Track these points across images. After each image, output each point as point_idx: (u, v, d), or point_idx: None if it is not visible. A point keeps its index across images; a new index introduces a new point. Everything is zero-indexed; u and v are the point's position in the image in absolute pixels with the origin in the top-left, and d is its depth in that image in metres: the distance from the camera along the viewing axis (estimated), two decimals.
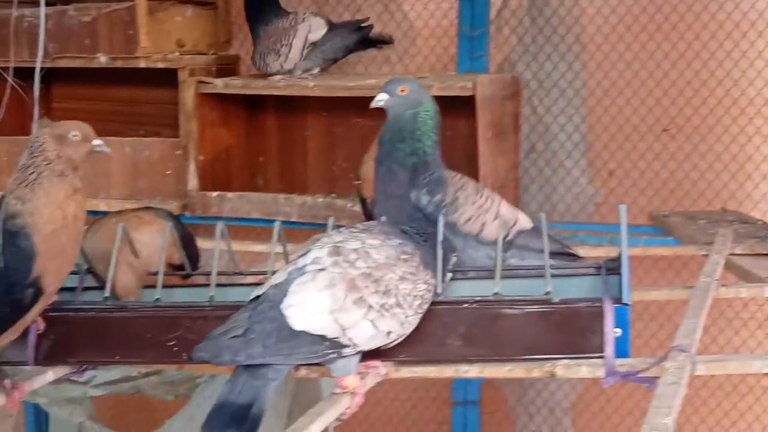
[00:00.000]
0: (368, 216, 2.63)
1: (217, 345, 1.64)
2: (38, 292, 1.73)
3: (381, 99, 2.15)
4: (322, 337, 1.65)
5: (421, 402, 4.01)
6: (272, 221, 3.38)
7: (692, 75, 3.53)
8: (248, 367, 1.63)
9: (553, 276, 1.84)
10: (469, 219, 2.13)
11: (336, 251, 1.72)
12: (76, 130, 1.78)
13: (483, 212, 2.14)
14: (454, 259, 1.91)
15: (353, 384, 1.73)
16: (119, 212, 2.23)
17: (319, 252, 1.73)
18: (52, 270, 1.74)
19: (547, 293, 1.80)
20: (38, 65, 1.85)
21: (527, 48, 3.59)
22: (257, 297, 1.71)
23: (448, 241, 1.96)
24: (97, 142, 1.79)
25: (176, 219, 2.23)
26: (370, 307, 1.68)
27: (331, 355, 1.68)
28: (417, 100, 2.16)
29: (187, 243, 2.18)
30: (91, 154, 1.79)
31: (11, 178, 1.78)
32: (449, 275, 1.89)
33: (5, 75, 2.00)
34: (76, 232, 1.77)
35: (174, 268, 2.11)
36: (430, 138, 2.16)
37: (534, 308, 1.79)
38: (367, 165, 2.46)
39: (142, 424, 3.90)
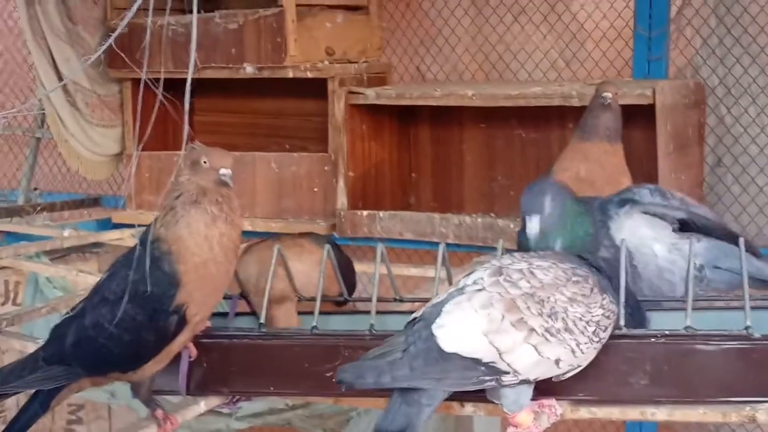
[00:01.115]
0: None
1: (362, 366, 1.68)
2: (182, 320, 1.83)
3: (534, 227, 2.05)
4: (476, 361, 1.67)
5: None
6: (425, 243, 3.47)
7: None
8: (402, 392, 1.67)
9: (753, 308, 1.81)
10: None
11: (499, 272, 1.74)
12: (206, 156, 1.85)
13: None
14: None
15: (526, 422, 1.74)
16: (278, 237, 2.29)
17: (482, 273, 1.76)
18: (198, 299, 1.83)
19: (747, 328, 1.77)
20: (189, 77, 1.92)
21: (713, 50, 3.52)
22: (415, 319, 1.74)
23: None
24: (224, 171, 1.85)
25: (336, 246, 2.28)
26: (532, 329, 1.68)
27: (489, 382, 1.68)
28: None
29: (345, 268, 2.24)
30: (218, 183, 1.85)
31: (161, 198, 1.89)
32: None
33: (154, 87, 2.09)
34: (226, 262, 1.85)
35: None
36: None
37: (732, 344, 1.77)
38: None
39: None
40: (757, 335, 1.77)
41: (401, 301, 2.19)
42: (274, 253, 2.06)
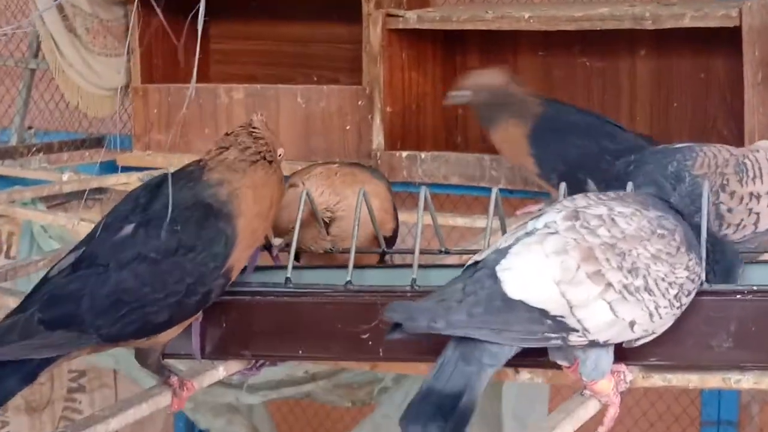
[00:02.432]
0: None
1: (413, 307, 1.67)
2: (226, 284, 1.84)
3: None
4: (544, 313, 1.66)
5: (660, 420, 3.96)
6: (474, 188, 3.46)
7: None
8: (459, 346, 1.65)
9: None
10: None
11: (575, 215, 1.73)
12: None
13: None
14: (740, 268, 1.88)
15: (607, 389, 1.73)
16: (313, 167, 2.26)
17: (554, 215, 1.74)
18: (242, 260, 1.86)
19: None
20: None
21: None
22: (476, 263, 1.73)
23: (734, 250, 1.93)
24: (281, 151, 1.95)
25: (387, 181, 2.30)
26: (610, 284, 1.67)
27: (555, 340, 1.67)
28: None
29: (396, 212, 2.26)
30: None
31: (206, 154, 1.91)
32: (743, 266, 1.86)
33: (157, 8, 2.08)
34: (268, 219, 1.90)
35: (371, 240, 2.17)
36: None
37: None
38: None
39: None
40: None
41: (447, 253, 2.17)
42: (302, 195, 2.05)
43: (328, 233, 2.15)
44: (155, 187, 1.86)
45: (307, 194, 2.07)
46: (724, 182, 2.15)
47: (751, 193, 2.15)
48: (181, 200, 1.81)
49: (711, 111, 3.35)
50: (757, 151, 2.23)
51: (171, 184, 1.81)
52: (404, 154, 3.34)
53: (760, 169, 2.17)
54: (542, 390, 3.34)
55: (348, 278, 1.96)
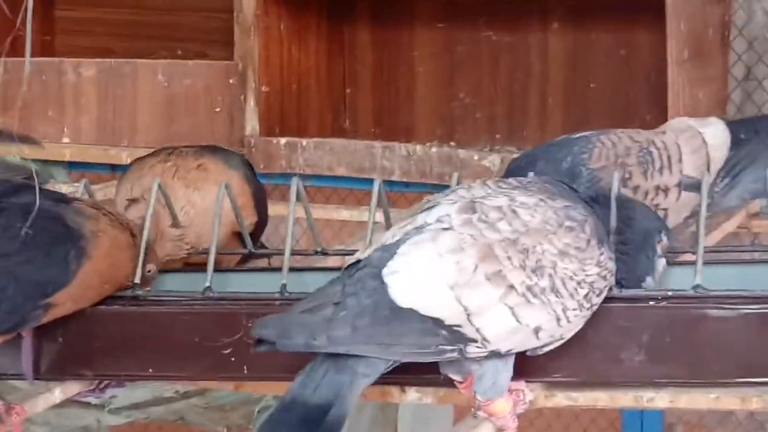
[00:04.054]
0: None
1: (288, 321, 1.66)
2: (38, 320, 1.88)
3: None
4: (438, 323, 1.66)
5: None
6: (364, 180, 3.45)
7: None
8: (332, 355, 1.65)
9: None
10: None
11: (471, 207, 1.73)
12: None
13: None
14: (663, 240, 1.90)
15: (504, 411, 1.75)
16: (164, 151, 2.28)
17: (447, 208, 1.74)
18: (65, 309, 1.89)
19: None
20: None
21: None
22: (357, 262, 1.73)
23: (650, 213, 1.96)
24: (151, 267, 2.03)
25: (252, 169, 2.31)
26: (512, 287, 1.68)
27: (451, 353, 1.68)
28: None
29: (257, 206, 2.27)
30: None
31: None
32: (663, 262, 1.88)
33: None
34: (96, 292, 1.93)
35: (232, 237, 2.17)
36: None
37: (754, 308, 1.77)
38: None
39: None
40: None
41: (324, 254, 2.18)
42: (153, 188, 2.04)
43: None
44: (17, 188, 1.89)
45: (160, 186, 2.06)
46: (626, 175, 2.16)
47: (658, 187, 2.18)
48: (43, 210, 1.83)
49: (633, 93, 3.40)
50: (664, 133, 2.25)
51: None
52: (283, 140, 3.33)
53: (668, 158, 2.19)
54: (444, 410, 3.36)
55: (207, 284, 1.95)
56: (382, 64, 3.65)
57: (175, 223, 2.14)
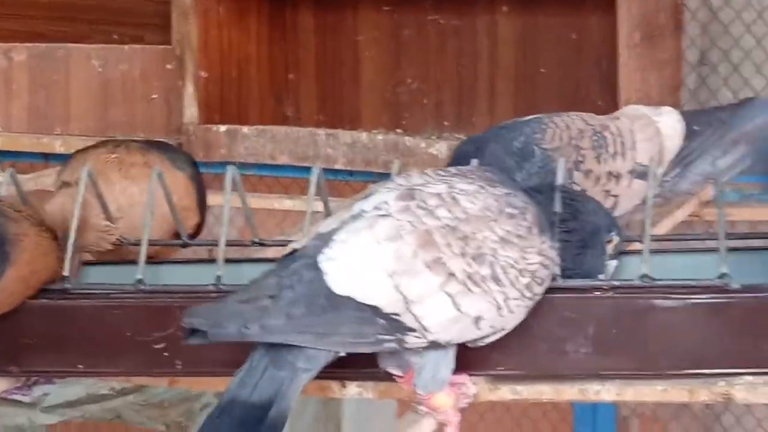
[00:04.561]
0: None
1: (220, 311, 1.66)
2: None
3: None
4: (376, 311, 1.66)
5: None
6: (308, 169, 3.42)
7: None
8: (269, 349, 1.65)
9: (732, 250, 1.83)
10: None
11: (410, 194, 1.74)
12: None
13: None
14: (614, 239, 1.92)
15: (446, 405, 1.75)
16: (111, 143, 2.28)
17: (385, 195, 1.75)
18: None
19: (722, 276, 1.79)
20: None
21: None
22: (293, 252, 1.73)
23: (600, 210, 1.97)
24: None
25: (194, 163, 2.32)
26: (452, 274, 1.69)
27: (389, 343, 1.68)
28: None
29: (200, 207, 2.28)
30: None
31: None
32: (614, 263, 1.90)
33: None
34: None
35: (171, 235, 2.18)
36: None
37: (702, 298, 1.78)
38: None
39: None
40: (735, 285, 1.78)
41: (261, 244, 2.18)
42: (83, 176, 2.03)
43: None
44: None
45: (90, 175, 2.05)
46: (579, 158, 2.17)
47: (610, 173, 2.19)
48: None
49: (584, 78, 3.40)
50: (618, 119, 2.26)
51: None
52: (223, 128, 3.32)
53: (622, 144, 2.20)
54: (388, 405, 3.37)
55: (139, 276, 1.94)
56: (325, 49, 3.64)
57: (107, 215, 2.13)
